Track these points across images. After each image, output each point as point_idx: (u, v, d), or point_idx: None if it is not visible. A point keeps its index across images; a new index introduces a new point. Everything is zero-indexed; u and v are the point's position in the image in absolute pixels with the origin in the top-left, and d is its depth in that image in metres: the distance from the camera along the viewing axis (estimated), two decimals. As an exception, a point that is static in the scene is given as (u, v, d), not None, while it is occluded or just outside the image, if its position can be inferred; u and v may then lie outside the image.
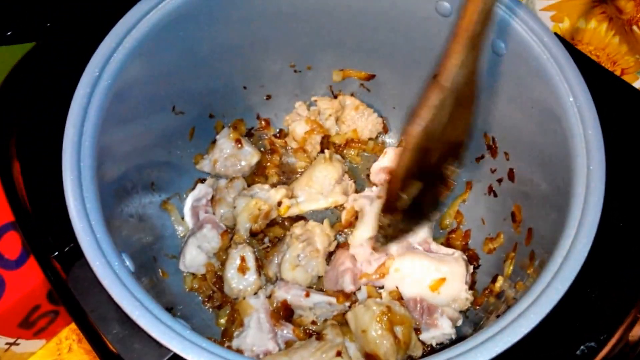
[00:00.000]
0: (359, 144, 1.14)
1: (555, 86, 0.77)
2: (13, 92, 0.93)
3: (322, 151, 1.10)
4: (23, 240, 0.98)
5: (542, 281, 0.67)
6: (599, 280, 0.78)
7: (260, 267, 0.99)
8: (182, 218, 1.05)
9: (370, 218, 1.00)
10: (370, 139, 1.14)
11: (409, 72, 1.03)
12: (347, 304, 0.96)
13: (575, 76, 0.77)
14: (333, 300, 0.96)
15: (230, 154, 1.07)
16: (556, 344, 0.74)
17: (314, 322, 0.96)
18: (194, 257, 0.99)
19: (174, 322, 0.66)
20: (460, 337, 0.94)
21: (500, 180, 0.98)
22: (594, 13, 1.28)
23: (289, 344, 0.92)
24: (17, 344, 1.08)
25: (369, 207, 1.02)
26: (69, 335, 1.16)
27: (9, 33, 0.98)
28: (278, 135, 1.16)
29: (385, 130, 1.16)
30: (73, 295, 0.73)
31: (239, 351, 0.91)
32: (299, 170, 1.13)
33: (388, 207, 0.78)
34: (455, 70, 0.66)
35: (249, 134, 1.15)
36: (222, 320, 0.98)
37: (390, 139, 1.16)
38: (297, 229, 1.01)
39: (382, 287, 0.97)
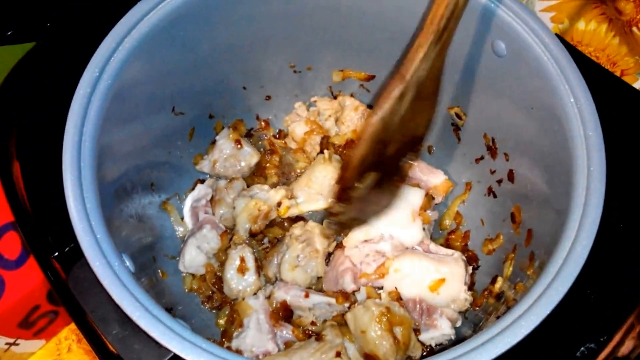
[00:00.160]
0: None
1: (555, 87, 0.77)
2: (13, 92, 0.94)
3: (321, 152, 1.10)
4: (23, 240, 0.98)
5: (542, 282, 0.67)
6: (599, 281, 0.78)
7: (259, 268, 0.99)
8: (182, 218, 1.05)
9: None
10: (370, 139, 1.14)
11: (409, 73, 1.03)
12: (347, 304, 0.96)
13: (575, 77, 0.77)
14: (332, 300, 0.96)
15: (229, 154, 1.07)
16: (556, 346, 0.74)
17: (313, 323, 0.96)
18: (194, 258, 0.99)
19: (173, 323, 0.66)
20: (459, 338, 0.94)
21: (500, 181, 0.98)
22: (593, 14, 1.28)
23: (288, 345, 0.92)
24: (17, 344, 1.08)
25: None
26: (69, 335, 1.16)
27: (9, 33, 0.98)
28: (277, 135, 1.16)
29: (385, 130, 1.15)
30: (73, 296, 0.73)
31: (239, 352, 0.91)
32: (299, 170, 1.13)
33: (342, 195, 0.79)
34: (417, 63, 0.66)
35: (249, 135, 1.15)
36: (222, 321, 0.98)
37: (390, 140, 1.16)
38: (297, 229, 1.01)
39: (382, 288, 0.97)
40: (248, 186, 1.07)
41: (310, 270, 0.98)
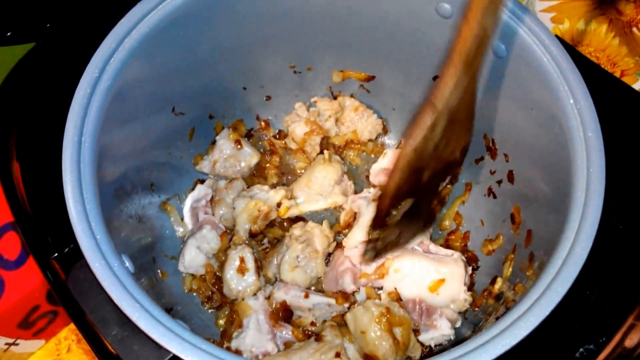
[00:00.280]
0: (359, 145, 1.14)
1: (555, 88, 0.77)
2: (13, 92, 0.94)
3: (321, 152, 1.10)
4: (22, 240, 0.98)
5: (542, 283, 0.67)
6: (598, 282, 0.78)
7: (259, 268, 0.99)
8: (182, 219, 1.05)
9: (366, 220, 1.00)
10: (369, 140, 1.14)
11: (409, 74, 1.03)
12: (346, 305, 0.96)
13: (575, 78, 0.77)
14: (332, 301, 0.96)
15: (229, 154, 1.07)
16: (555, 347, 0.74)
17: (313, 323, 0.96)
18: (193, 258, 0.99)
19: (173, 323, 0.66)
20: (459, 339, 0.94)
21: (499, 182, 0.98)
22: (594, 15, 1.28)
23: (287, 345, 0.92)
24: (17, 344, 1.08)
25: (365, 208, 1.02)
26: (68, 335, 1.16)
27: (9, 33, 0.98)
28: (277, 136, 1.16)
29: (385, 131, 1.16)
30: (72, 296, 0.73)
31: (238, 352, 0.91)
32: (299, 171, 1.13)
33: (377, 223, 0.79)
34: (448, 92, 0.65)
35: (249, 135, 1.15)
36: (221, 321, 0.98)
37: (389, 140, 1.16)
38: (297, 230, 1.01)
39: (381, 289, 0.97)
40: (248, 187, 1.07)
41: (310, 271, 0.98)
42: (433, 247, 0.99)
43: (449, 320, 0.93)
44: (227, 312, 0.98)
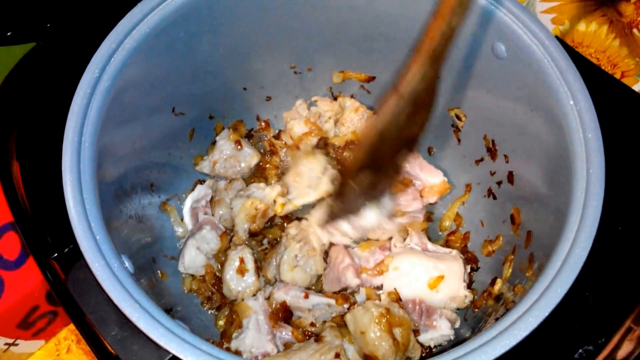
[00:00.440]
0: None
1: (555, 89, 0.77)
2: (13, 92, 0.94)
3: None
4: (22, 240, 0.98)
5: (541, 284, 0.67)
6: (597, 283, 0.78)
7: (259, 269, 0.99)
8: (182, 219, 1.05)
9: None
10: (370, 140, 1.14)
11: (409, 74, 1.03)
12: (346, 305, 0.96)
13: (575, 79, 0.77)
14: (332, 301, 0.96)
15: (229, 155, 1.07)
16: (554, 347, 0.74)
17: (312, 324, 0.96)
18: (193, 259, 0.99)
19: (172, 324, 0.66)
20: (458, 340, 0.94)
21: (499, 183, 0.98)
22: (594, 16, 1.28)
23: (287, 346, 0.92)
24: (16, 345, 1.08)
25: None
26: (68, 335, 1.16)
27: (9, 33, 0.98)
28: (278, 136, 1.16)
29: (385, 132, 1.15)
30: (72, 297, 0.73)
31: (238, 353, 0.91)
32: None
33: (339, 194, 0.87)
34: (414, 82, 0.69)
35: (249, 136, 1.15)
36: (221, 322, 0.98)
37: (390, 141, 1.16)
38: (292, 229, 1.01)
39: (381, 288, 0.97)
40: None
41: (310, 270, 0.98)
42: (431, 245, 0.99)
43: (448, 320, 0.94)
44: (226, 313, 0.98)
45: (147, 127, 0.93)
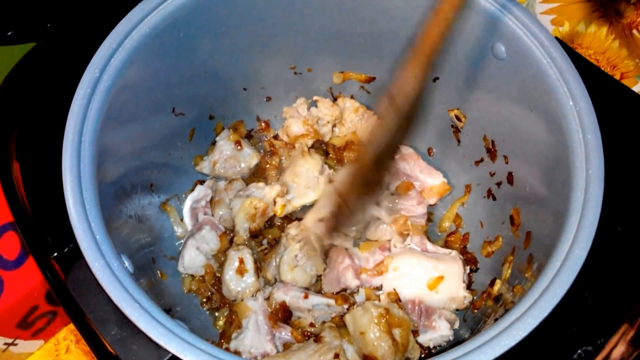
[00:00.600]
0: (359, 146, 1.14)
1: (555, 90, 0.78)
2: (13, 92, 0.93)
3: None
4: (22, 240, 0.98)
5: (540, 285, 0.67)
6: (596, 284, 0.78)
7: (258, 269, 0.99)
8: (181, 219, 1.05)
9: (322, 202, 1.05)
10: (370, 141, 1.14)
11: (409, 75, 1.03)
12: (346, 306, 0.96)
13: (575, 80, 0.77)
14: (331, 302, 0.96)
15: (229, 155, 1.07)
16: (553, 348, 0.74)
17: (312, 325, 0.96)
18: (193, 259, 0.99)
19: (172, 324, 0.66)
20: (458, 341, 0.94)
21: (499, 184, 0.98)
22: (594, 17, 1.28)
23: (286, 346, 0.92)
24: (15, 344, 1.07)
25: None
26: (67, 335, 1.16)
27: (9, 33, 0.98)
28: (277, 137, 1.16)
29: (385, 132, 1.15)
30: (72, 296, 0.73)
31: (237, 353, 0.91)
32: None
33: (334, 215, 0.90)
34: (409, 86, 0.70)
35: (249, 136, 1.15)
36: (221, 322, 0.98)
37: (389, 142, 1.16)
38: (292, 229, 1.01)
39: (381, 289, 0.97)
40: (247, 187, 1.07)
41: (309, 269, 0.98)
42: (431, 246, 0.99)
43: (447, 321, 0.94)
44: (226, 313, 0.98)
45: (147, 127, 0.93)
